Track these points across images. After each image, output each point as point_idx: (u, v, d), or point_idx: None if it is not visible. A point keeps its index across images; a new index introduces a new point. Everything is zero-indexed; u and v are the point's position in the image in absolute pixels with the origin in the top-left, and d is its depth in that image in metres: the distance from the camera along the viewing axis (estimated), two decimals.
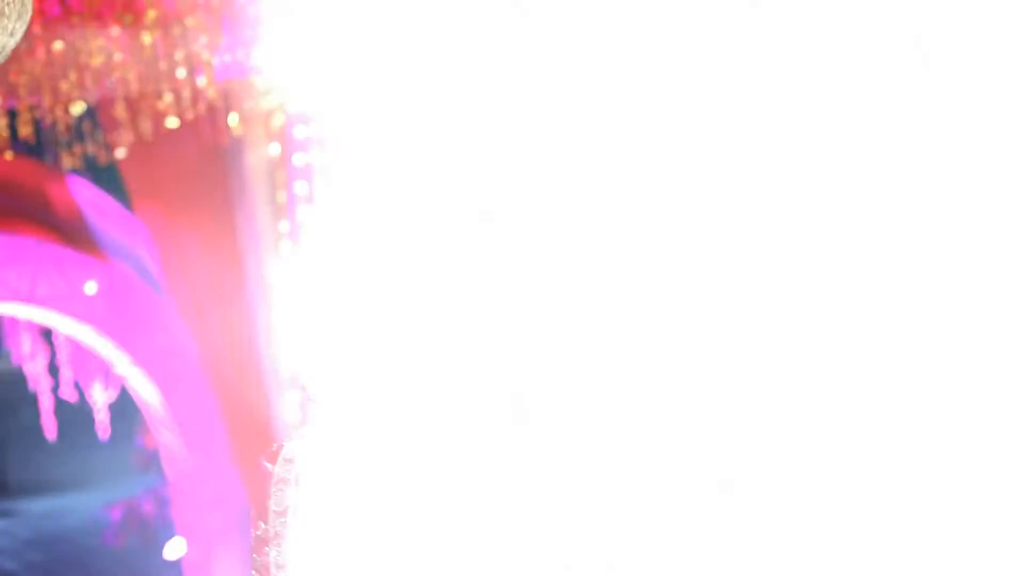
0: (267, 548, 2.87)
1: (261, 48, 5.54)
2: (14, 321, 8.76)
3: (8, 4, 1.85)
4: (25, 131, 5.57)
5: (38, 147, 5.96)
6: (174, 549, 7.42)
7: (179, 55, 5.36)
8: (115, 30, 5.24)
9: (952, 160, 2.62)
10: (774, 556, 2.61)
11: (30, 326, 8.33)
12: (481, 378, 2.81)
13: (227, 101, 6.01)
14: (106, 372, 8.16)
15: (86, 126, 5.83)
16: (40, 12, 4.80)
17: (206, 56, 5.42)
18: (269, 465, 6.64)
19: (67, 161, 5.83)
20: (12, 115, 5.69)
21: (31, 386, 8.99)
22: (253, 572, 2.64)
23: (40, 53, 5.16)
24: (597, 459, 2.69)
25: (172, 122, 5.76)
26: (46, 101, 5.47)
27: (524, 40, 2.84)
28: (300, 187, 6.26)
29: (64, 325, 7.04)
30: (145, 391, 7.08)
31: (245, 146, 6.43)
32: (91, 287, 6.89)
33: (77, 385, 8.80)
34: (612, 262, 2.75)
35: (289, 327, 6.51)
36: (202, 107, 5.73)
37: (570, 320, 2.77)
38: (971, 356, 2.59)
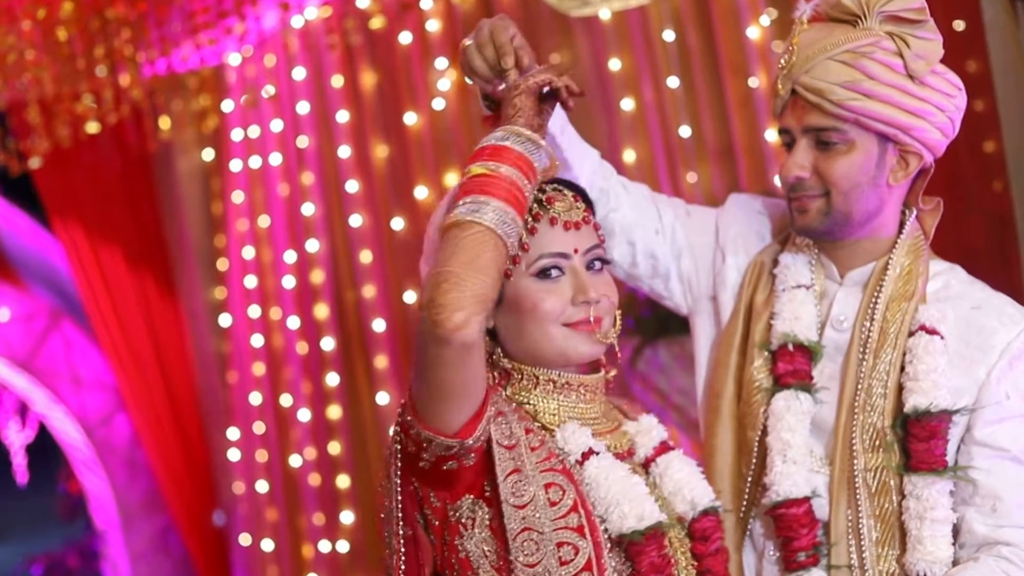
0: None
1: (192, 42, 5.33)
2: None
3: None
4: None
5: None
6: None
7: (99, 52, 5.20)
8: (27, 24, 5.07)
9: None
10: None
11: None
12: None
13: (154, 102, 5.84)
14: (22, 410, 8.16)
15: None
16: None
17: (129, 52, 5.24)
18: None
19: None
20: None
21: None
22: None
23: None
24: None
25: (92, 127, 5.57)
26: None
27: None
28: (237, 196, 6.04)
29: None
30: (67, 430, 6.81)
31: (175, 152, 6.35)
32: (3, 314, 6.68)
33: None
34: None
35: (226, 354, 6.29)
36: (126, 109, 5.55)
37: None
38: None
